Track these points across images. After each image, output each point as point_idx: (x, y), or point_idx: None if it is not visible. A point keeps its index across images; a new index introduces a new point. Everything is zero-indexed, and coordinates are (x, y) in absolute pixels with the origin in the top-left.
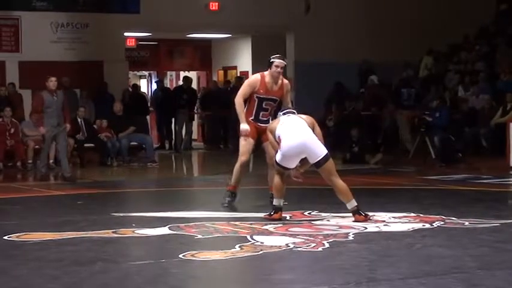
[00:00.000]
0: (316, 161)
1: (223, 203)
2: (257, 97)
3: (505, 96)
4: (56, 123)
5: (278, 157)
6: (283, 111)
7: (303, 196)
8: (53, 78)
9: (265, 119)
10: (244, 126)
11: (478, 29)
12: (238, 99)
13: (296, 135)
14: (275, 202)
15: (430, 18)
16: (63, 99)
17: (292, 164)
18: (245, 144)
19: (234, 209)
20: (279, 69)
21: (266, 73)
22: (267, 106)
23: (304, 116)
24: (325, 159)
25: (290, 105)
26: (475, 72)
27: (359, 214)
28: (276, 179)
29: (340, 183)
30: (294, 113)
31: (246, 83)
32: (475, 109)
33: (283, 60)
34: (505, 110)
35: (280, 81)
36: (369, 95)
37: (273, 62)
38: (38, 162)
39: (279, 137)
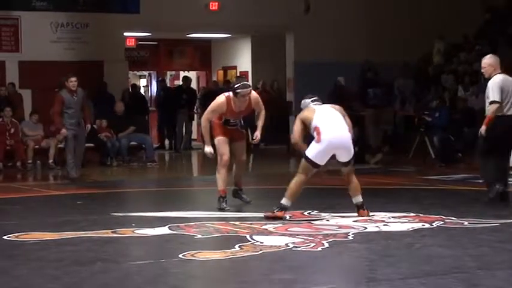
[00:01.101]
0: (348, 159)
1: (219, 208)
2: (224, 117)
3: None
4: (77, 123)
5: (312, 152)
6: (311, 99)
7: (302, 196)
8: (73, 79)
9: (234, 123)
10: (207, 149)
11: (477, 29)
12: (204, 122)
13: (338, 129)
14: (285, 202)
15: (430, 18)
16: (83, 99)
17: (324, 160)
18: (222, 144)
19: (236, 209)
20: (246, 98)
21: (232, 96)
22: (235, 120)
23: (336, 107)
24: (353, 158)
25: (263, 112)
26: (475, 73)
27: (363, 209)
28: (297, 180)
29: (356, 179)
30: (319, 101)
31: (211, 106)
32: (474, 109)
33: (247, 87)
34: None
35: (247, 101)
36: (337, 96)
37: (238, 92)
38: (66, 166)
39: (315, 128)
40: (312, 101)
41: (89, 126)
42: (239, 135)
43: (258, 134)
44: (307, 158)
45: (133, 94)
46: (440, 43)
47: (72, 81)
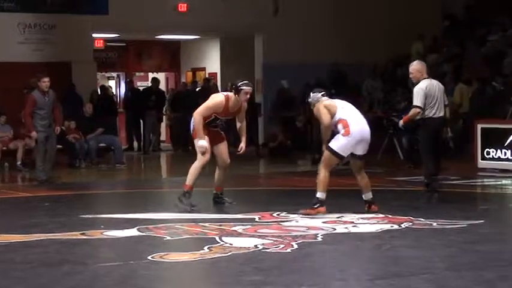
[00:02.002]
0: (365, 153)
1: (181, 203)
2: (215, 115)
3: None
4: (48, 125)
5: (338, 144)
6: (321, 93)
7: (271, 197)
8: (46, 79)
9: (216, 124)
10: (203, 143)
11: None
12: (199, 117)
13: (363, 122)
14: (320, 196)
15: (399, 19)
16: (54, 100)
17: (348, 152)
18: (204, 144)
19: (205, 211)
20: (247, 97)
21: (231, 96)
22: (219, 122)
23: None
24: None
25: (244, 122)
26: (442, 75)
27: (375, 204)
28: (323, 173)
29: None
30: (327, 95)
31: (209, 104)
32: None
33: (250, 85)
34: None
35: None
36: (280, 99)
37: (242, 89)
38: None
39: (340, 120)
40: (322, 95)
41: (58, 128)
42: (220, 138)
43: (243, 145)
44: (332, 151)
45: (103, 95)
46: (419, 44)
47: (45, 82)
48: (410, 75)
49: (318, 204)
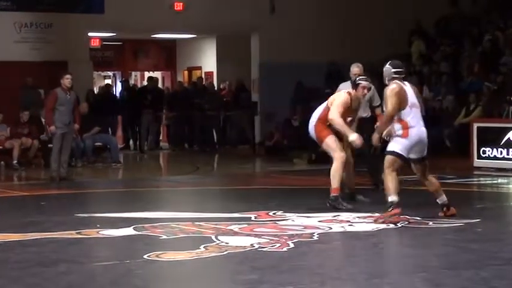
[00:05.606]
0: (425, 155)
1: (340, 207)
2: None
3: (468, 97)
4: (68, 122)
5: (400, 147)
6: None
7: (267, 196)
8: (69, 76)
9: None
10: (354, 136)
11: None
12: (338, 119)
13: (422, 123)
14: (392, 199)
15: (396, 18)
16: (75, 99)
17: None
18: (334, 142)
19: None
20: (365, 91)
21: (352, 93)
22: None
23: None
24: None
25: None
26: (439, 73)
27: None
28: (393, 176)
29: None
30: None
31: (340, 103)
32: (436, 109)
33: (369, 80)
34: (468, 110)
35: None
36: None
37: (359, 83)
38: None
39: (401, 120)
40: (395, 73)
41: (77, 126)
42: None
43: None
44: (396, 154)
45: (106, 94)
46: (419, 43)
47: (68, 79)
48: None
49: (390, 208)
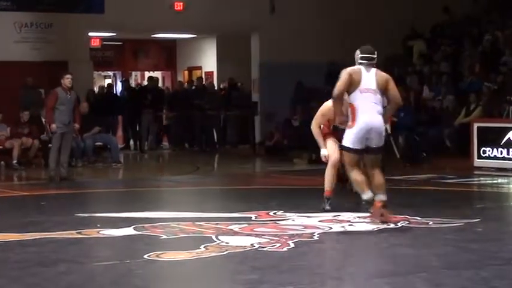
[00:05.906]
0: (378, 146)
1: (322, 208)
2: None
3: (468, 97)
4: (67, 122)
5: (347, 139)
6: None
7: (267, 196)
8: (69, 76)
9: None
10: (324, 152)
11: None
12: (315, 131)
13: (376, 112)
14: (366, 196)
15: (395, 18)
16: (75, 99)
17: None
18: (332, 145)
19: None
20: None
21: None
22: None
23: None
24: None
25: None
26: (439, 73)
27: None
28: (355, 172)
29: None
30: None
31: (319, 113)
32: (436, 109)
33: None
34: (469, 110)
35: None
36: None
37: None
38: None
39: (350, 104)
40: (362, 58)
41: (77, 125)
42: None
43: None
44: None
45: (107, 93)
46: (420, 44)
47: (68, 78)
48: None
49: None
